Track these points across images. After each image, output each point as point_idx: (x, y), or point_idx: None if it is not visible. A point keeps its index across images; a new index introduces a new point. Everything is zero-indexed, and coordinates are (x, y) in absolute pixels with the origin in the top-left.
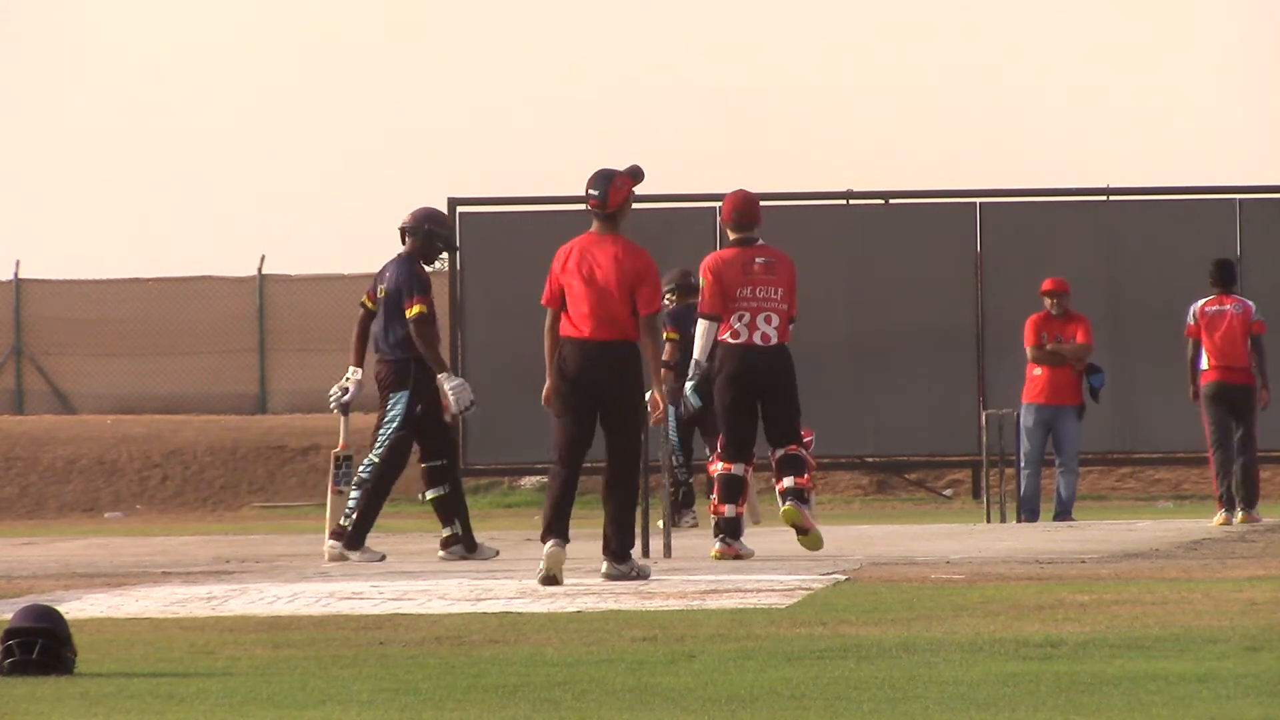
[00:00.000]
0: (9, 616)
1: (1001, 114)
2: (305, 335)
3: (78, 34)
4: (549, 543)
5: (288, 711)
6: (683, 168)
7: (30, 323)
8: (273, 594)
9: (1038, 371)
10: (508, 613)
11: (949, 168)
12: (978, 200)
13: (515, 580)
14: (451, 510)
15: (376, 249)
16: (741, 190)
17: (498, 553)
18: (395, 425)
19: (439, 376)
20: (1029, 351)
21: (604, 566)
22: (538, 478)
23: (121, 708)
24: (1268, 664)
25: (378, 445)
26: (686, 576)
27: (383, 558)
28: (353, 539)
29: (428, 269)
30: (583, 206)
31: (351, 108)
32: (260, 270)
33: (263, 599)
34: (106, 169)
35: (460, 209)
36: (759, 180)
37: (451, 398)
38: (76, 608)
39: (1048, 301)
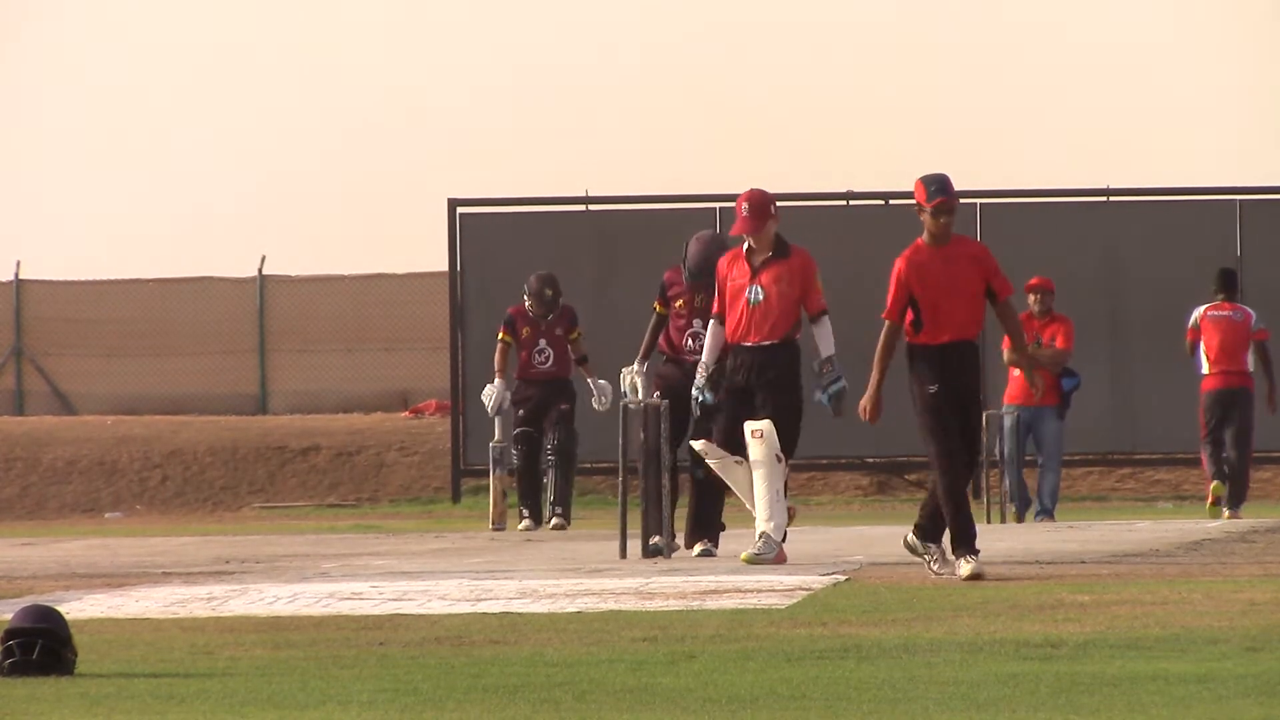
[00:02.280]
0: (9, 616)
1: (1001, 114)
2: (305, 335)
3: (77, 33)
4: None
5: (288, 712)
6: (683, 168)
7: (30, 323)
8: (273, 594)
9: (1018, 372)
10: (508, 613)
11: (948, 168)
12: (978, 200)
13: (515, 580)
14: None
15: (376, 249)
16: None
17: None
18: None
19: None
20: (1005, 354)
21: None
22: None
23: (121, 708)
24: (1268, 664)
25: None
26: (686, 576)
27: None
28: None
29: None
30: (580, 207)
31: (351, 108)
32: (260, 270)
33: (263, 599)
34: (106, 169)
35: (460, 209)
36: (759, 181)
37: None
38: (76, 608)
39: (1031, 298)
